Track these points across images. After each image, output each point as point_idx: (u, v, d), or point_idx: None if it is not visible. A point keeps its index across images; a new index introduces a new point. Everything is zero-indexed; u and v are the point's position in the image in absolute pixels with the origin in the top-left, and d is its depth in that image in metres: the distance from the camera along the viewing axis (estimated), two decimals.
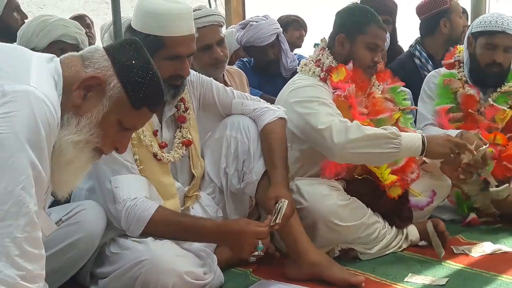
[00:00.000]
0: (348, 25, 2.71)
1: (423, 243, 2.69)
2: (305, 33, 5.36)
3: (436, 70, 3.42)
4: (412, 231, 2.67)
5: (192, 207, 2.48)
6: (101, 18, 5.54)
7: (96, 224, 2.22)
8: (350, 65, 2.67)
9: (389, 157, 2.50)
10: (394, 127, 2.55)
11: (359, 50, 2.68)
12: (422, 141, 2.50)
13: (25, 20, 3.50)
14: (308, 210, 2.47)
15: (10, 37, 3.46)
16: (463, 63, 3.21)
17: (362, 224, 2.53)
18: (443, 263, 2.48)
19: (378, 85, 2.80)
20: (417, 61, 3.97)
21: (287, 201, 2.22)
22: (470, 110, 3.10)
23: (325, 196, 2.48)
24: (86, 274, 2.30)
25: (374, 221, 2.57)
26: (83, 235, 2.18)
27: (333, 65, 2.69)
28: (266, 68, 3.99)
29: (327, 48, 2.76)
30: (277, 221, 2.19)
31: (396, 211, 2.64)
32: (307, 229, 2.42)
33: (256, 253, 2.18)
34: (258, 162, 2.45)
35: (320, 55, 2.75)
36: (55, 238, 2.15)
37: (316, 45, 2.91)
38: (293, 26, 5.25)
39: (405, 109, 2.89)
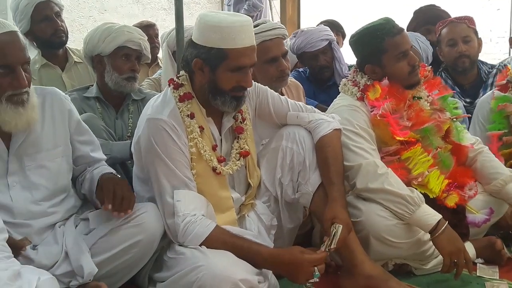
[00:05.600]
0: (366, 54, 2.69)
1: (479, 260, 2.65)
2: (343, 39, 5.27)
3: (488, 93, 3.37)
4: (469, 248, 2.62)
5: (247, 215, 2.51)
6: (159, 25, 5.62)
7: (156, 226, 2.28)
8: (385, 81, 2.65)
9: (398, 215, 2.47)
10: (421, 196, 2.48)
11: (392, 67, 2.64)
12: (438, 224, 2.41)
13: (62, 27, 3.57)
14: (363, 225, 2.47)
15: (43, 47, 3.58)
16: None
17: (418, 241, 2.51)
18: (500, 281, 2.44)
19: (427, 96, 2.76)
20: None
21: (341, 226, 2.25)
22: None
23: (381, 212, 2.47)
24: (144, 277, 2.36)
25: (429, 238, 2.54)
26: (143, 237, 2.26)
27: (368, 83, 2.67)
28: (319, 76, 3.98)
29: (358, 70, 2.75)
30: (332, 246, 2.22)
31: (453, 228, 2.60)
32: (361, 242, 2.42)
33: (312, 280, 2.19)
34: (314, 174, 2.47)
35: (355, 76, 2.75)
36: (116, 239, 2.24)
37: (351, 66, 2.91)
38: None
39: (457, 118, 2.86)
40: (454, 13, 3.97)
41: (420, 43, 3.67)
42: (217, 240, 2.24)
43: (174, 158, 2.31)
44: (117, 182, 2.31)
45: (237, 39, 2.26)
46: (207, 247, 2.23)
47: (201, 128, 2.37)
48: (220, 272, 2.11)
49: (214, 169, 2.38)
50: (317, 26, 4.39)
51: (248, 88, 2.41)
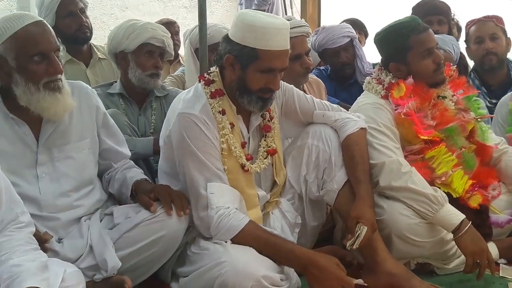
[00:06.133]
0: (391, 52, 2.68)
1: (502, 261, 2.64)
2: (365, 38, 5.24)
3: (508, 94, 3.34)
4: (492, 248, 2.61)
5: (272, 212, 2.53)
6: (180, 23, 5.64)
7: (179, 223, 2.30)
8: (410, 79, 2.64)
9: (421, 214, 2.46)
10: (445, 195, 2.47)
11: (417, 64, 2.63)
12: (461, 224, 2.39)
13: (86, 22, 3.61)
14: (385, 223, 2.47)
15: (67, 43, 3.61)
16: None
17: (441, 240, 2.50)
18: None
19: (452, 96, 2.75)
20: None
21: (366, 228, 2.25)
22: None
23: (404, 210, 2.46)
24: (167, 271, 2.38)
25: (452, 237, 2.53)
26: (166, 232, 2.27)
27: (393, 82, 2.67)
28: (340, 73, 3.96)
29: (383, 68, 2.74)
30: (355, 246, 2.24)
31: (476, 228, 2.59)
32: (383, 241, 2.42)
33: None
34: (340, 172, 2.48)
35: (379, 74, 2.74)
36: (139, 234, 2.26)
37: (375, 64, 2.90)
38: None
39: (482, 118, 2.84)
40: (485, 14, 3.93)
41: (455, 48, 3.64)
42: (250, 235, 2.23)
43: (206, 151, 2.32)
44: (164, 187, 2.38)
45: (271, 41, 2.26)
46: (239, 242, 2.22)
47: (232, 125, 2.39)
48: (243, 268, 2.12)
49: (242, 166, 2.39)
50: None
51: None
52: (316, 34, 3.95)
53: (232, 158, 2.37)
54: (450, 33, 4.15)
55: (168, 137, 2.40)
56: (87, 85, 2.48)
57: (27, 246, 1.83)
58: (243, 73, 2.32)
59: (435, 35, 2.75)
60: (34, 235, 1.99)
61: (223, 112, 2.37)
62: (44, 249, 2.03)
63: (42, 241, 2.08)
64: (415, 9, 4.08)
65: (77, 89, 2.39)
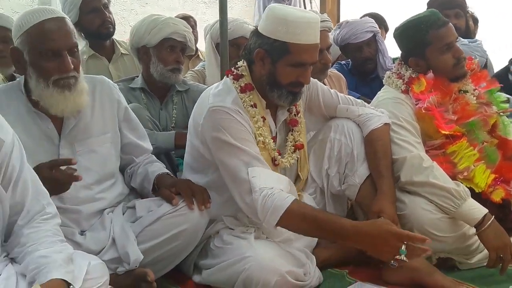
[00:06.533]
0: (410, 47, 2.66)
1: None
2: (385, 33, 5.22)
3: None
4: None
5: None
6: (199, 18, 5.67)
7: (201, 217, 2.31)
8: (430, 74, 2.62)
9: (443, 208, 2.44)
10: (467, 190, 2.45)
11: (436, 59, 2.61)
12: (484, 218, 2.37)
13: (109, 18, 3.63)
14: (407, 218, 2.45)
15: (90, 38, 3.64)
16: None
17: (463, 235, 2.48)
18: None
19: (474, 90, 2.73)
20: (511, 77, 3.83)
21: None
22: None
23: (426, 205, 2.45)
24: (190, 264, 2.40)
25: (474, 232, 2.51)
26: (188, 226, 2.29)
27: (413, 76, 2.65)
28: (362, 68, 3.96)
29: (403, 62, 2.73)
30: None
31: (499, 222, 2.56)
32: None
33: (399, 256, 2.05)
34: (362, 166, 2.47)
35: (399, 68, 2.72)
36: (162, 228, 2.28)
37: (395, 59, 2.88)
38: None
39: (504, 112, 2.81)
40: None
41: (482, 52, 3.60)
42: (297, 213, 2.14)
43: (243, 138, 2.28)
44: (185, 181, 2.40)
45: (302, 35, 2.25)
46: (286, 223, 2.16)
47: (263, 119, 2.38)
48: (267, 263, 2.14)
49: (273, 160, 2.39)
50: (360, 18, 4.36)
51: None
52: (338, 28, 3.95)
53: (265, 151, 2.37)
54: (467, 26, 4.12)
55: (201, 133, 2.36)
56: (109, 79, 2.50)
57: (53, 238, 1.84)
58: (274, 67, 2.31)
59: (461, 43, 2.73)
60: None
61: (254, 106, 2.36)
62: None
63: (71, 178, 2.11)
64: (430, 3, 4.07)
65: (99, 83, 2.42)
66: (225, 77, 2.46)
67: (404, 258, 2.05)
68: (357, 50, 3.89)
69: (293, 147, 2.48)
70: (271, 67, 2.31)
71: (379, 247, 2.09)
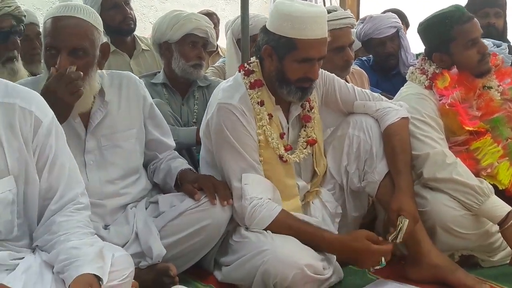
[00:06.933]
0: (435, 42, 2.63)
1: None
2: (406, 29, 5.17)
3: None
4: None
5: (312, 202, 2.52)
6: (219, 14, 5.67)
7: (223, 212, 2.33)
8: (454, 70, 2.60)
9: (466, 205, 2.42)
10: (490, 186, 2.43)
11: (460, 55, 2.59)
12: (508, 216, 2.34)
13: (130, 14, 3.64)
14: (429, 215, 2.44)
15: (112, 34, 3.63)
16: None
17: (486, 232, 2.46)
18: None
19: (498, 86, 2.70)
20: None
21: (408, 221, 2.24)
22: None
23: (449, 202, 2.43)
24: (210, 260, 2.42)
25: (498, 229, 2.49)
26: (210, 221, 2.31)
27: (437, 72, 2.63)
28: (384, 63, 3.93)
29: (426, 58, 2.70)
30: (398, 240, 2.23)
31: None
32: (427, 232, 2.40)
33: (377, 267, 2.28)
34: (381, 162, 2.46)
35: (423, 64, 2.70)
36: (184, 223, 2.30)
37: (419, 55, 2.86)
38: None
39: None
40: None
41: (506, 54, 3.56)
42: (283, 224, 2.26)
43: (243, 142, 2.34)
44: (208, 177, 2.42)
45: (308, 30, 2.25)
46: (272, 231, 2.25)
47: (270, 116, 2.39)
48: (286, 257, 2.14)
49: (280, 157, 2.40)
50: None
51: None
52: (362, 23, 3.93)
53: (269, 149, 2.38)
54: (505, 26, 4.07)
55: (207, 127, 2.42)
56: (135, 76, 2.52)
57: (85, 229, 1.83)
58: (281, 64, 2.31)
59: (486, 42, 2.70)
60: None
61: (261, 103, 2.38)
62: None
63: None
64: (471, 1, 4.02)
65: (126, 79, 2.43)
66: (237, 72, 2.47)
67: (382, 266, 2.28)
68: (380, 45, 3.86)
69: (305, 143, 2.48)
70: (278, 64, 2.32)
71: (360, 260, 2.24)
